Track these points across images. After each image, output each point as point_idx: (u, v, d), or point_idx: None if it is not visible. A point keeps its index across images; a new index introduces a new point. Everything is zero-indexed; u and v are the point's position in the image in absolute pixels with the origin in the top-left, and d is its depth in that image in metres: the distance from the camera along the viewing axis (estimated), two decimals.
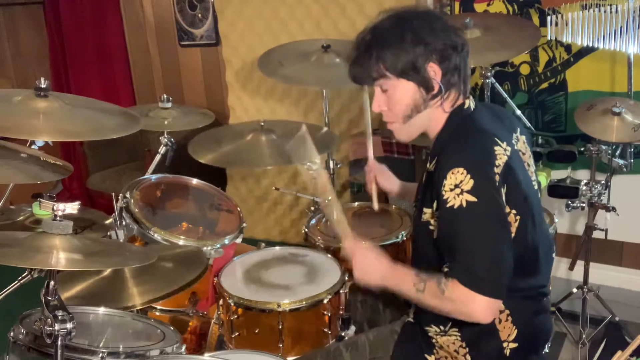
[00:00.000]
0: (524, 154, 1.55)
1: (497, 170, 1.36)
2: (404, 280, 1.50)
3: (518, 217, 1.41)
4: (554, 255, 1.67)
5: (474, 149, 1.40)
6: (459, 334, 1.51)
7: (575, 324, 2.68)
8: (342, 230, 1.68)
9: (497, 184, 1.36)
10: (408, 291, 1.49)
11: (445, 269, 1.43)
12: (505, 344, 1.50)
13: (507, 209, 1.39)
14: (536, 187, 1.58)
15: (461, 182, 1.34)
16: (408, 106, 1.49)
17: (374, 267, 1.56)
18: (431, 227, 1.48)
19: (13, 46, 4.74)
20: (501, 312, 1.47)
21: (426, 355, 1.58)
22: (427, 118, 1.51)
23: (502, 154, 1.39)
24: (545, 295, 1.59)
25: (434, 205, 1.44)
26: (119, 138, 1.80)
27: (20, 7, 4.74)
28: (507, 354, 1.50)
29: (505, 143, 1.42)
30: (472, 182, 1.33)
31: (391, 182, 2.02)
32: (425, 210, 1.49)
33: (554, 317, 2.72)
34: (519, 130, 1.58)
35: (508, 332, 1.49)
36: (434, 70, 1.45)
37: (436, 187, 1.40)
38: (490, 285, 1.35)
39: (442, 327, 1.54)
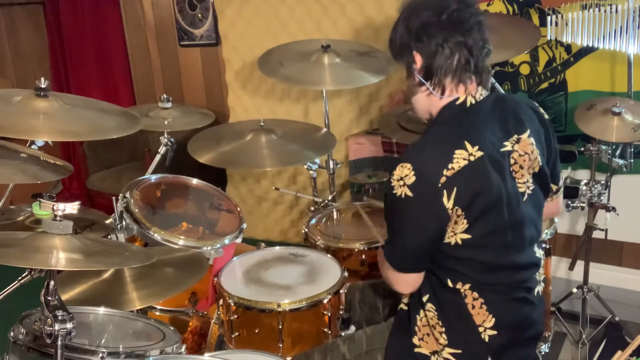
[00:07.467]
0: (521, 155, 1.53)
1: (446, 172, 1.42)
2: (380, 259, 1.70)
3: (465, 220, 1.45)
4: (538, 250, 1.64)
5: (430, 150, 1.49)
6: (436, 312, 1.57)
7: (575, 324, 2.68)
8: None
9: (439, 185, 1.42)
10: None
11: None
12: (481, 329, 1.53)
13: (459, 211, 1.43)
14: (523, 189, 1.54)
15: (406, 176, 1.44)
16: (407, 87, 1.63)
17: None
18: None
19: (13, 46, 4.75)
20: (475, 299, 1.53)
21: (413, 339, 1.62)
22: (424, 103, 1.59)
23: (462, 158, 1.43)
24: (527, 289, 1.60)
25: None
26: (119, 138, 1.80)
27: (20, 7, 4.75)
28: (487, 340, 1.53)
29: (476, 147, 1.44)
30: (414, 179, 1.42)
31: None
32: None
33: (554, 317, 2.72)
34: (528, 131, 1.56)
35: (483, 319, 1.53)
36: (415, 60, 1.53)
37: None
38: (398, 261, 1.56)
39: (422, 300, 1.59)
